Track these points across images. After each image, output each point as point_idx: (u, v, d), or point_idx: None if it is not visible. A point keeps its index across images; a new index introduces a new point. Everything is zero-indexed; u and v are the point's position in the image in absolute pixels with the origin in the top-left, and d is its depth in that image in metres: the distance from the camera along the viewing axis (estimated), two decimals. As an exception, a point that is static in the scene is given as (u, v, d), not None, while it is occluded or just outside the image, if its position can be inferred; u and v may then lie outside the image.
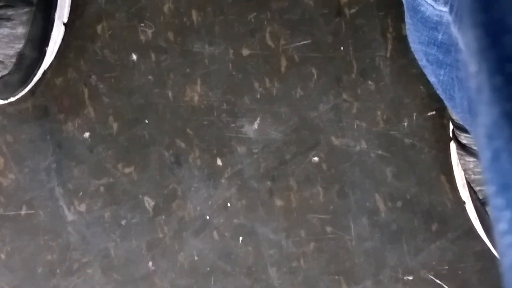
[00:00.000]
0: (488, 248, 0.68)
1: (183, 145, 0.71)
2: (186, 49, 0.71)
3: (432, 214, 0.70)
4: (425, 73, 0.57)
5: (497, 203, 0.25)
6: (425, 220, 0.70)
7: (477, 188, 0.66)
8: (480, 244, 0.69)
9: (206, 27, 0.71)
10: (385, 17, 0.70)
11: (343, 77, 0.71)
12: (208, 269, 0.71)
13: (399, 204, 0.71)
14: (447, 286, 0.70)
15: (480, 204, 0.65)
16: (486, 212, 0.65)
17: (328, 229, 0.71)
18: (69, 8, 0.71)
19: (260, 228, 0.71)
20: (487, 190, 0.25)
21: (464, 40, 0.36)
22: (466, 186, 0.67)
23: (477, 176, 0.65)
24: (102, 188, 0.72)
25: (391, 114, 0.71)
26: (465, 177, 0.66)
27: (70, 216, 0.72)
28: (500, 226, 0.25)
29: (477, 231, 0.68)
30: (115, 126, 0.72)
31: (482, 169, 0.26)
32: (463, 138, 0.65)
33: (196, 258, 0.72)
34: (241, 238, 0.71)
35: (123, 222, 0.72)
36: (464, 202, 0.68)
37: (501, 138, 0.24)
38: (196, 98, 0.71)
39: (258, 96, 0.71)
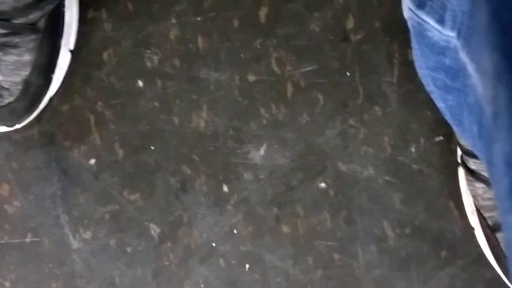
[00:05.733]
0: (499, 275, 0.67)
1: (189, 171, 0.71)
2: (192, 75, 0.71)
3: (441, 241, 0.69)
4: (433, 98, 0.56)
5: None
6: (434, 247, 0.69)
7: (486, 214, 0.65)
8: (490, 271, 0.68)
9: (212, 54, 0.71)
10: (391, 43, 0.70)
11: (350, 103, 0.70)
12: (214, 297, 0.71)
13: (407, 230, 0.70)
14: (457, 314, 0.69)
15: (490, 231, 0.65)
16: (496, 239, 0.64)
17: (336, 256, 0.70)
18: (76, 36, 0.71)
19: (267, 255, 0.70)
20: (505, 219, 0.25)
21: (478, 64, 0.35)
22: (475, 212, 0.66)
23: (486, 202, 0.65)
24: (107, 215, 0.71)
25: (398, 140, 0.70)
26: (474, 203, 0.66)
27: (75, 244, 0.71)
28: None
29: (487, 258, 0.67)
30: (120, 152, 0.71)
31: (499, 197, 0.25)
32: (472, 164, 0.64)
33: (202, 286, 0.71)
34: (247, 266, 0.71)
35: (128, 250, 0.71)
36: (473, 229, 0.67)
37: None
38: (202, 124, 0.71)
39: (264, 122, 0.71)
